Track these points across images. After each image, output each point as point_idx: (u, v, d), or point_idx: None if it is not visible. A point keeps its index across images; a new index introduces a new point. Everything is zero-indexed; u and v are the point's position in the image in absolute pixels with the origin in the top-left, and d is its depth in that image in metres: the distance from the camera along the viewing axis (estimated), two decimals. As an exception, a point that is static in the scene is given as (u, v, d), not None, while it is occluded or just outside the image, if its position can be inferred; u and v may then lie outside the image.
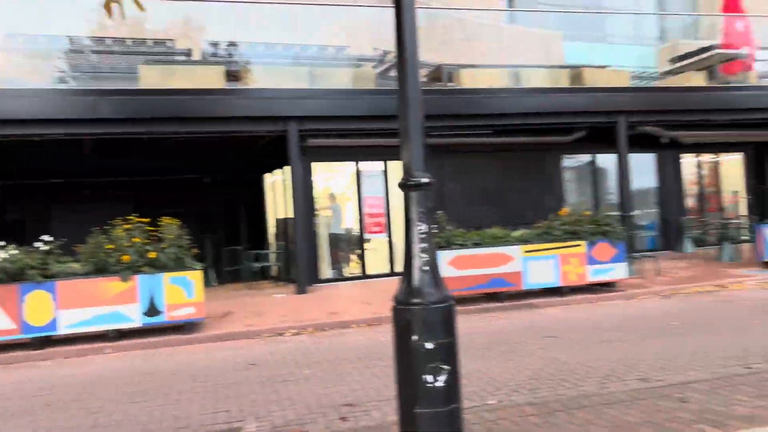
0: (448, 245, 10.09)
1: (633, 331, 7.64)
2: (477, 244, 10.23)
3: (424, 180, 3.49)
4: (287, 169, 12.75)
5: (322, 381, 6.10)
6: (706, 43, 17.86)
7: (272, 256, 15.13)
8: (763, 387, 4.94)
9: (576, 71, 14.48)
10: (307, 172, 13.39)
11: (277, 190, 15.17)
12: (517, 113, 12.97)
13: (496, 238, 10.42)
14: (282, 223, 14.81)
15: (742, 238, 14.88)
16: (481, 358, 6.62)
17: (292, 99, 12.17)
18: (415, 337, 3.35)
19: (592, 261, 10.63)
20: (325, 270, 13.83)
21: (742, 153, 17.26)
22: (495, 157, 14.75)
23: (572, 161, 15.89)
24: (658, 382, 5.30)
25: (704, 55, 15.98)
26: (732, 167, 17.43)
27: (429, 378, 3.33)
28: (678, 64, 16.86)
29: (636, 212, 14.63)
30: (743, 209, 17.02)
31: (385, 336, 8.07)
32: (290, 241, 13.61)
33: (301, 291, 12.04)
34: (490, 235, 10.47)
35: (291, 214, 12.77)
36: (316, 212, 13.73)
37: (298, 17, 14.93)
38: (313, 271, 13.18)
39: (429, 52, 14.77)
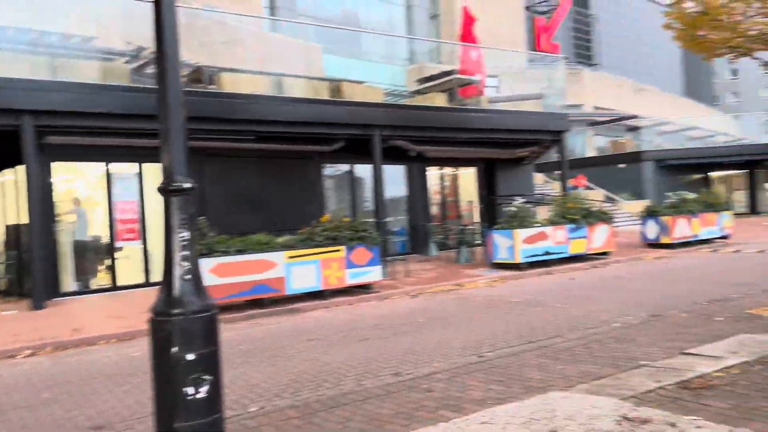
0: (210, 252, 9.80)
1: (387, 329, 8.20)
2: (240, 251, 10.11)
3: (187, 185, 3.37)
4: (20, 168, 11.27)
5: (64, 404, 5.50)
6: (447, 68, 19.93)
7: (0, 268, 13.21)
8: (492, 372, 5.66)
9: (335, 84, 15.10)
10: (46, 173, 11.98)
11: (8, 192, 13.31)
12: (280, 121, 13.12)
13: (260, 245, 10.40)
14: (13, 230, 13.02)
15: (476, 242, 16.88)
16: (244, 365, 6.56)
17: (26, 90, 10.78)
18: (175, 349, 3.21)
19: (350, 265, 11.18)
20: (68, 282, 12.48)
21: (476, 167, 19.58)
22: (258, 163, 14.74)
23: (333, 170, 16.55)
24: (408, 375, 5.76)
25: (445, 79, 17.81)
26: (468, 180, 19.68)
27: (190, 390, 3.22)
28: (424, 85, 18.53)
29: (389, 219, 15.75)
30: (477, 217, 19.32)
31: (138, 351, 7.56)
32: (24, 251, 12.03)
33: (37, 306, 10.71)
34: (254, 242, 10.42)
35: (25, 220, 11.28)
36: (56, 218, 12.34)
37: (36, -1, 13.30)
38: (52, 283, 11.81)
39: (188, 52, 14.23)
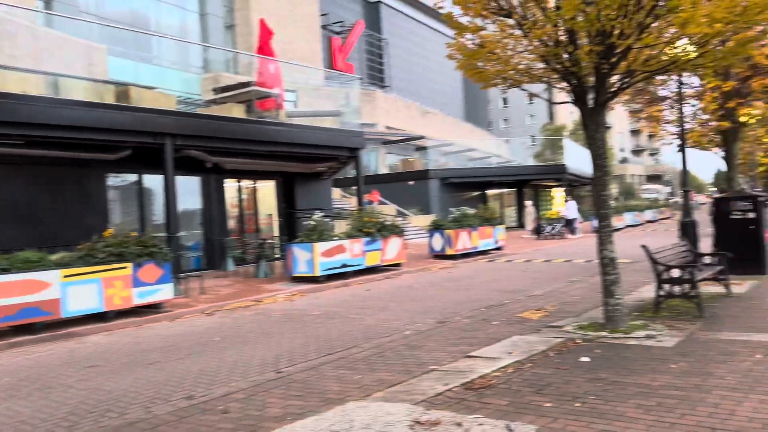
0: (-36, 273, 8.47)
1: (179, 351, 7.76)
2: (4, 270, 8.87)
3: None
4: None
5: None
6: (244, 79, 19.61)
7: None
8: (291, 387, 5.62)
9: (123, 89, 14.04)
10: None
11: None
12: (56, 125, 11.82)
13: (29, 263, 9.22)
14: None
15: (276, 256, 16.75)
16: (10, 400, 5.75)
17: None
18: None
19: (138, 283, 10.39)
20: None
21: (275, 181, 19.50)
22: (28, 171, 13.13)
23: (118, 180, 15.32)
24: (202, 397, 5.49)
25: (243, 90, 17.48)
26: (267, 193, 19.51)
27: (-65, 437, 2.71)
28: (221, 95, 18.01)
29: (182, 233, 14.98)
30: (276, 230, 19.22)
31: None
32: None
33: None
34: (22, 260, 9.21)
35: None
36: None
37: None
38: None
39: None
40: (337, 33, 40.62)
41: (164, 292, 10.84)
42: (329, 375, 5.98)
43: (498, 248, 20.90)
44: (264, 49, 19.01)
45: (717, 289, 9.37)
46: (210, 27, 26.86)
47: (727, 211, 11.40)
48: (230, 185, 18.15)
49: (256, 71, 18.96)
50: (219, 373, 6.43)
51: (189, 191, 16.54)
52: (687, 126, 15.26)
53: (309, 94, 21.28)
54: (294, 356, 7.01)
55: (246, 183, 18.73)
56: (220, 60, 26.60)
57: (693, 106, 16.62)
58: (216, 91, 18.64)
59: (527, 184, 36.54)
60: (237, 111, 16.18)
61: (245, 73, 23.81)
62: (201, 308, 11.08)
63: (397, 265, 16.25)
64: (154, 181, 15.41)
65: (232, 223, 18.20)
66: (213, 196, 17.42)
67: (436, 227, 19.19)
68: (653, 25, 6.50)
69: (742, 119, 14.31)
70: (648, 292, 9.52)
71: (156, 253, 10.71)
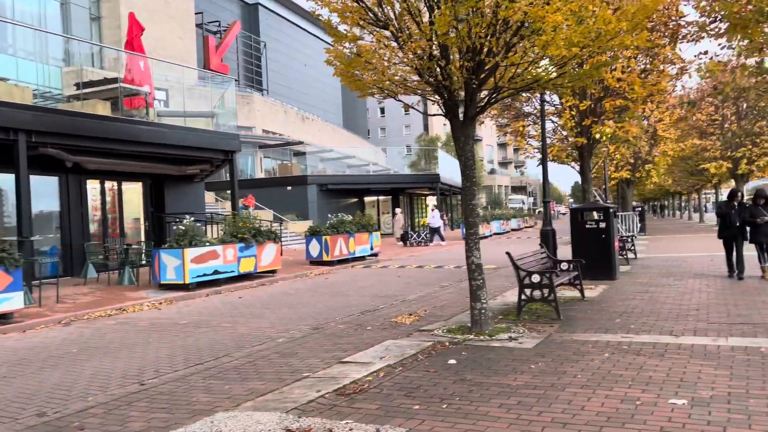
0: None
1: (30, 364, 7.14)
2: None
3: None
4: None
5: None
6: (111, 75, 18.49)
7: None
8: (156, 400, 5.35)
9: (-31, 78, 12.80)
10: None
11: None
12: None
13: None
14: None
15: (142, 262, 15.89)
16: None
17: None
18: None
19: (-17, 292, 9.46)
20: None
21: (142, 183, 18.53)
22: None
23: (-39, 179, 13.88)
24: (55, 414, 5.09)
25: (109, 86, 16.46)
26: (133, 195, 18.49)
27: None
28: (84, 90, 16.84)
29: (36, 237, 13.83)
30: (143, 235, 18.25)
31: None
32: None
33: None
34: None
35: None
36: None
37: None
38: None
39: None
40: (213, 32, 39.45)
41: (14, 302, 9.94)
42: (197, 386, 5.76)
43: (374, 254, 21.21)
44: (133, 44, 18.04)
45: (573, 293, 10.10)
46: (73, 17, 25.07)
47: (582, 220, 12.34)
48: (93, 186, 17.02)
49: (124, 67, 17.95)
50: (75, 387, 5.99)
51: (45, 192, 15.33)
52: (548, 141, 16.38)
53: (182, 94, 20.45)
54: (160, 367, 6.68)
55: (110, 184, 17.65)
56: (84, 53, 24.88)
57: (554, 122, 17.89)
58: (79, 86, 17.42)
59: (403, 192, 37.47)
60: (102, 108, 15.21)
61: (112, 68, 22.47)
62: (57, 318, 10.28)
63: (273, 271, 16.01)
64: (4, 181, 14.11)
65: (94, 227, 17.07)
66: (73, 198, 16.25)
67: (313, 233, 19.13)
68: (519, 45, 6.91)
69: (596, 136, 15.58)
70: (512, 296, 10.07)
71: (5, 258, 9.80)
